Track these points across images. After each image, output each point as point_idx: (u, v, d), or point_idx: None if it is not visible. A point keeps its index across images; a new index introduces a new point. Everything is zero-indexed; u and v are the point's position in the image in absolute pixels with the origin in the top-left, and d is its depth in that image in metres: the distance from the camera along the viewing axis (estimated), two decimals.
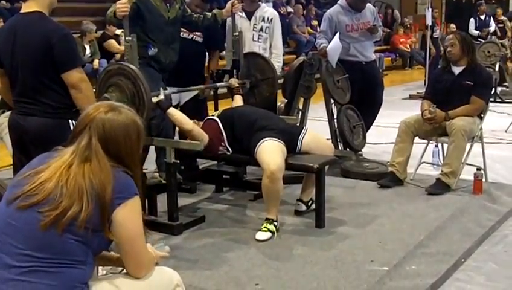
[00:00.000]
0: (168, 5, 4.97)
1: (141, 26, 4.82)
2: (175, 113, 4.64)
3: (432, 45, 14.18)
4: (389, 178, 5.72)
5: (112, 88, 4.21)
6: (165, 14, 4.96)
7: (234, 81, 5.43)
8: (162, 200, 4.73)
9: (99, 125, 2.24)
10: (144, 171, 4.70)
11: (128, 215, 2.19)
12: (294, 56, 13.33)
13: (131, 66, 4.23)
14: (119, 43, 10.75)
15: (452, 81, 5.72)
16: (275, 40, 6.20)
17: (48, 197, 2.12)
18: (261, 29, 6.10)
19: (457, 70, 5.76)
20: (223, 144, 4.71)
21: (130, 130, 2.29)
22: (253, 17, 6.09)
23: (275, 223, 4.45)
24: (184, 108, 5.46)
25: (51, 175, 2.16)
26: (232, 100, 5.39)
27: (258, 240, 4.37)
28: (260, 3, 6.27)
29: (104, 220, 2.14)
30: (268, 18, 6.13)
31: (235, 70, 5.60)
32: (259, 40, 6.09)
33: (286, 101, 6.21)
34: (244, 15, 6.09)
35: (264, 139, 4.46)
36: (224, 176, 5.69)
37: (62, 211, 2.09)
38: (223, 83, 5.55)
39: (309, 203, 4.96)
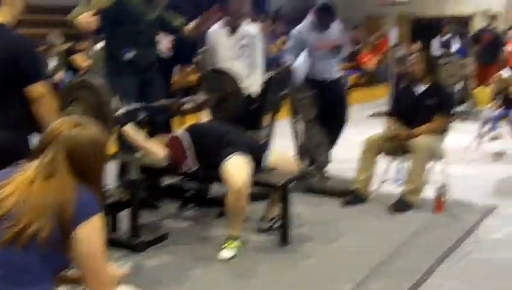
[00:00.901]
0: (147, 6, 4.96)
1: (119, 29, 4.79)
2: (131, 129, 4.58)
3: (396, 64, 14.35)
4: (353, 195, 5.75)
5: (74, 102, 4.17)
6: (144, 15, 4.94)
7: (200, 97, 5.42)
8: (124, 218, 4.68)
9: (65, 141, 2.21)
10: (106, 187, 4.66)
11: (90, 233, 2.16)
12: None
13: (94, 78, 4.20)
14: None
15: (415, 99, 5.79)
16: (256, 57, 6.18)
17: (9, 213, 2.09)
18: (243, 46, 6.08)
19: (420, 89, 5.83)
20: (187, 159, 4.69)
21: (95, 146, 2.27)
22: (235, 34, 6.07)
23: (239, 240, 4.44)
24: (152, 123, 5.42)
25: (13, 191, 2.13)
26: (199, 116, 5.37)
27: (222, 258, 4.35)
28: (242, 20, 6.24)
29: (65, 237, 2.11)
30: (250, 35, 6.12)
31: (200, 86, 5.59)
32: (241, 57, 6.06)
33: None
34: (225, 32, 6.07)
35: (230, 155, 4.45)
36: (188, 193, 5.66)
37: (23, 228, 2.06)
38: (188, 98, 5.54)
39: (273, 221, 4.95)
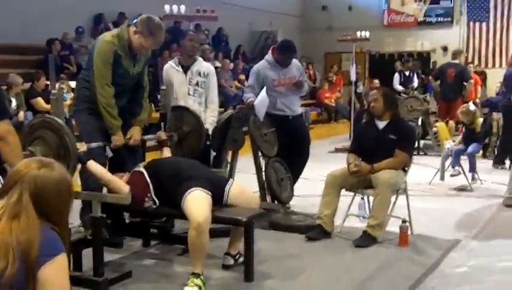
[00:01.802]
0: (134, 61, 4.99)
1: None
2: (93, 167, 4.56)
3: (356, 100, 14.51)
4: (316, 231, 5.74)
5: (36, 141, 4.14)
6: (130, 70, 5.00)
7: (162, 134, 5.41)
8: (87, 256, 4.60)
9: (32, 182, 2.21)
10: (69, 225, 4.58)
11: (54, 272, 2.14)
12: (222, 109, 13.39)
13: (55, 118, 4.19)
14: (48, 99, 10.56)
15: (376, 135, 5.85)
16: (211, 94, 6.21)
17: None
18: (197, 84, 6.10)
19: (381, 124, 5.89)
20: (149, 195, 4.65)
21: (61, 187, 2.27)
22: (189, 71, 6.10)
23: (201, 277, 4.38)
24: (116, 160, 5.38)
25: None
26: (161, 153, 5.35)
27: None
28: (197, 57, 6.29)
29: (29, 278, 2.08)
30: (204, 73, 6.15)
31: (162, 124, 5.59)
32: (195, 95, 6.08)
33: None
34: (180, 68, 6.10)
35: (190, 190, 4.42)
36: (151, 230, 5.60)
37: None
38: (150, 136, 5.52)
39: (237, 257, 4.92)
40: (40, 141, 4.14)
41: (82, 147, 4.49)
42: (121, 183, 4.61)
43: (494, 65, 20.70)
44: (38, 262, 2.10)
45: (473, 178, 8.52)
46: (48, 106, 9.99)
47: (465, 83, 12.72)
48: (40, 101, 10.45)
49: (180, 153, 5.53)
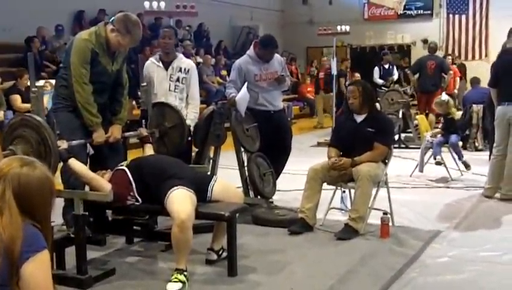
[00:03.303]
0: (112, 58, 4.99)
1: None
2: (75, 165, 4.57)
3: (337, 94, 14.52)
4: (299, 224, 5.78)
5: (16, 140, 4.14)
6: (109, 67, 4.99)
7: (143, 131, 5.42)
8: (70, 254, 4.61)
9: (15, 179, 2.24)
10: (52, 224, 4.59)
11: (37, 269, 2.16)
12: (204, 105, 13.38)
13: (34, 116, 4.19)
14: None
15: (355, 128, 5.90)
16: (192, 90, 6.24)
17: None
18: (178, 80, 6.14)
19: (359, 118, 5.94)
20: (132, 193, 4.65)
21: (43, 185, 2.31)
22: (170, 67, 6.13)
23: (185, 273, 4.40)
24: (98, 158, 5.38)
25: None
26: (143, 150, 5.36)
27: None
28: (178, 54, 6.32)
29: (12, 274, 2.11)
30: (185, 69, 6.18)
31: (143, 120, 5.59)
32: (176, 90, 6.11)
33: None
34: (161, 64, 6.13)
35: (173, 188, 4.43)
36: (134, 227, 5.61)
37: None
38: (132, 133, 5.53)
39: (220, 252, 4.95)
40: (21, 139, 4.14)
41: (63, 144, 4.50)
42: (102, 181, 4.61)
43: (473, 57, 20.87)
44: (21, 258, 2.13)
45: (466, 164, 8.59)
46: (25, 105, 9.96)
47: (444, 75, 12.85)
48: (17, 98, 10.38)
49: (162, 149, 5.54)
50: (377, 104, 12.26)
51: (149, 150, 5.31)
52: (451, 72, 13.80)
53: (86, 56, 4.83)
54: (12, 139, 4.18)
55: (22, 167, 2.28)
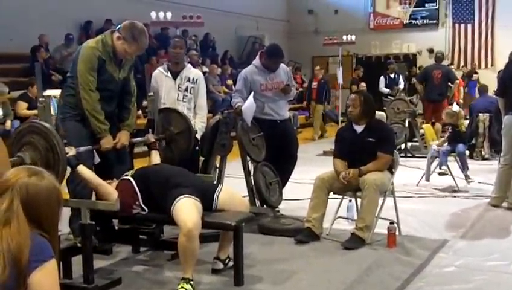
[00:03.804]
0: (119, 66, 5.00)
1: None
2: (83, 171, 4.58)
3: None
4: (305, 233, 5.77)
5: (24, 147, 4.14)
6: (115, 75, 5.01)
7: (151, 137, 5.41)
8: (77, 263, 4.61)
9: (23, 189, 2.25)
10: (58, 233, 4.59)
11: (45, 278, 2.17)
12: (211, 115, 13.41)
13: (42, 123, 4.19)
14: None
15: (355, 139, 5.89)
16: (200, 100, 6.27)
17: None
18: (186, 89, 6.17)
19: (359, 128, 5.94)
20: (137, 202, 4.65)
21: (51, 195, 2.31)
22: (178, 77, 6.17)
23: (191, 282, 4.40)
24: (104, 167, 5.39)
25: None
26: (149, 156, 5.36)
27: None
28: (186, 64, 6.35)
29: (20, 283, 2.12)
30: (193, 78, 6.21)
31: (150, 130, 5.60)
32: (184, 100, 6.14)
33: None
34: (169, 74, 6.16)
35: (180, 197, 4.43)
36: (140, 236, 5.61)
37: None
38: (139, 139, 5.52)
39: (226, 261, 4.95)
40: (29, 146, 4.12)
41: (71, 151, 4.50)
42: (110, 188, 4.62)
43: (479, 66, 20.85)
44: (29, 268, 2.13)
45: (467, 177, 8.52)
46: (30, 112, 9.99)
47: (450, 84, 12.83)
48: (22, 105, 10.41)
49: (169, 155, 5.54)
50: (383, 113, 12.31)
51: (155, 156, 5.30)
52: (457, 81, 13.78)
53: (92, 64, 4.85)
54: (21, 146, 4.17)
55: (30, 176, 2.29)
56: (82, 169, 4.58)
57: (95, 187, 4.65)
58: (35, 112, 9.41)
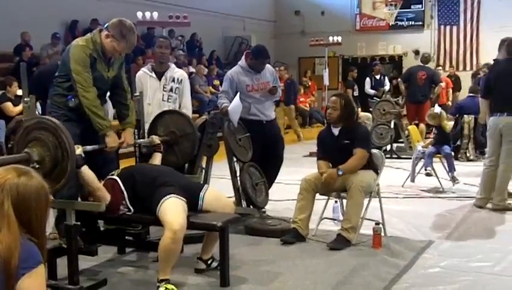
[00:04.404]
0: (107, 65, 4.97)
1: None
2: (86, 172, 4.47)
3: (354, 103, 14.49)
4: (291, 234, 5.78)
5: (32, 143, 4.09)
6: (104, 74, 4.96)
7: (156, 139, 5.38)
8: (62, 264, 4.59)
9: (13, 189, 2.21)
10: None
11: (33, 284, 2.13)
12: (197, 115, 13.40)
13: (51, 119, 4.15)
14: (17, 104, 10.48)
15: (333, 141, 5.90)
16: (185, 100, 6.29)
17: None
18: (171, 90, 6.18)
19: (335, 130, 5.96)
20: (124, 202, 4.63)
21: (41, 194, 2.28)
22: (163, 78, 6.17)
23: (171, 282, 4.38)
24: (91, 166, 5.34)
25: None
26: (151, 158, 5.32)
27: None
28: (170, 64, 6.35)
29: (8, 288, 2.07)
30: (178, 79, 6.23)
31: (136, 130, 5.57)
32: (169, 100, 6.16)
33: None
34: (154, 75, 6.16)
35: (166, 197, 4.42)
36: (126, 237, 5.59)
37: None
38: (144, 140, 5.48)
39: (209, 262, 4.95)
40: (37, 142, 4.07)
41: (78, 149, 4.40)
42: (107, 194, 4.56)
43: (465, 68, 20.97)
44: (18, 273, 2.09)
45: (454, 179, 8.54)
46: (17, 109, 9.93)
47: (434, 86, 12.83)
48: (8, 105, 10.36)
49: (172, 158, 5.49)
50: (369, 114, 12.32)
51: (157, 158, 5.27)
52: (442, 84, 13.79)
53: (85, 62, 4.81)
54: (28, 141, 4.12)
55: (19, 176, 2.25)
56: (85, 169, 4.46)
57: (93, 190, 4.54)
58: (20, 108, 9.39)
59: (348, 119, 5.94)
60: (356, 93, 15.81)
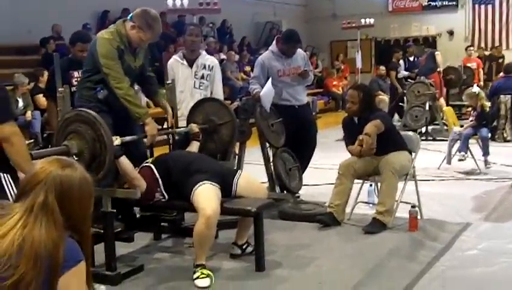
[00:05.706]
0: (134, 55, 4.99)
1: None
2: (124, 162, 4.51)
3: (399, 86, 14.36)
4: (328, 217, 5.75)
5: (71, 135, 4.13)
6: (132, 64, 4.97)
7: (194, 127, 5.39)
8: (99, 251, 4.64)
9: (57, 182, 2.12)
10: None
11: (73, 282, 2.09)
12: (229, 102, 13.40)
13: (89, 111, 4.18)
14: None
15: (356, 129, 5.78)
16: (216, 87, 6.27)
17: (2, 257, 1.99)
18: (202, 77, 6.17)
19: (356, 119, 5.92)
20: (159, 190, 4.67)
21: (84, 187, 2.19)
22: (194, 65, 6.17)
23: (207, 268, 4.41)
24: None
25: (5, 234, 2.03)
26: (188, 145, 5.33)
27: (199, 287, 4.32)
28: (201, 51, 6.34)
29: (53, 284, 2.03)
30: (209, 66, 6.21)
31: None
32: (201, 87, 6.15)
33: None
34: (185, 62, 6.16)
35: (199, 183, 4.45)
36: (162, 223, 5.62)
37: (20, 277, 1.98)
38: (182, 129, 5.50)
39: (244, 247, 4.96)
40: (75, 135, 4.10)
41: (116, 140, 4.40)
42: (143, 182, 4.60)
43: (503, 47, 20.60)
44: (61, 271, 2.05)
45: (486, 162, 8.46)
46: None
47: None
48: (40, 98, 10.46)
49: (210, 146, 5.49)
50: (386, 98, 12.23)
51: (194, 146, 5.29)
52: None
53: (114, 55, 4.80)
54: (67, 134, 4.15)
55: (63, 169, 2.16)
56: (124, 160, 4.51)
57: (131, 179, 4.59)
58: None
59: (368, 110, 5.87)
60: (400, 75, 15.57)
